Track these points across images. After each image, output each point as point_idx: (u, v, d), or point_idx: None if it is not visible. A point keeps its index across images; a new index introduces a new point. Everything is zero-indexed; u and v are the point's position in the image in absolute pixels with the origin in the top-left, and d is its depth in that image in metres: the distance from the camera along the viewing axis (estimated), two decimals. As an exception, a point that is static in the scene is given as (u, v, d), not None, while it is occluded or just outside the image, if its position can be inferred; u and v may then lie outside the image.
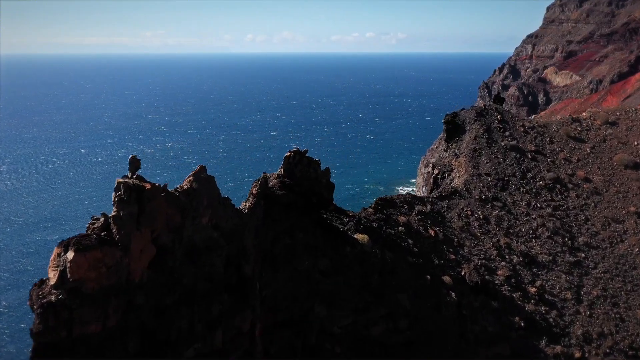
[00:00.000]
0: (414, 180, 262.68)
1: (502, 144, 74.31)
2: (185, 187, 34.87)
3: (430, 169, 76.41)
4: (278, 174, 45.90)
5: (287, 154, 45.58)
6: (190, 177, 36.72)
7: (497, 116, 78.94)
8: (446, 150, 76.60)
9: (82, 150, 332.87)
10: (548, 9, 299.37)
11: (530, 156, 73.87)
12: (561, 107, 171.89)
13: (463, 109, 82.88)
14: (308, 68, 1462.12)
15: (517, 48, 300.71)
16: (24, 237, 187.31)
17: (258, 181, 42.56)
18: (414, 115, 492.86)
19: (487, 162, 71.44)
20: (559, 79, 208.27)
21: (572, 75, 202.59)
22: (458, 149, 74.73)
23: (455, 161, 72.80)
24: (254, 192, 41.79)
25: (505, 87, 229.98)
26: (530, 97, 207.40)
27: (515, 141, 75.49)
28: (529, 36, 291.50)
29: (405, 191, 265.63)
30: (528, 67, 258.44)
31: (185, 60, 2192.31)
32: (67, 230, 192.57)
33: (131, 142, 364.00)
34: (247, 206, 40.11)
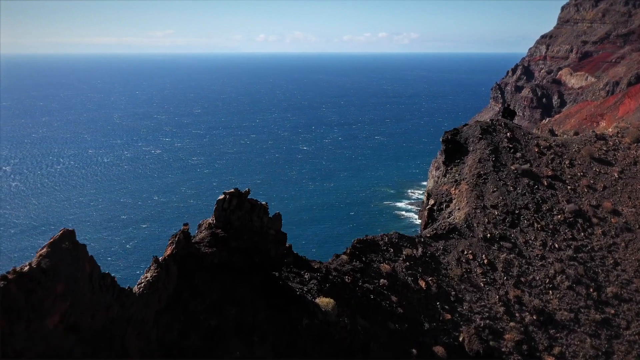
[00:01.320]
0: (424, 183, 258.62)
1: (513, 168, 62.19)
2: (34, 265, 20.30)
3: (425, 198, 65.07)
4: (210, 223, 29.99)
5: (221, 196, 31.90)
6: (44, 250, 20.95)
7: (506, 133, 66.71)
8: (444, 175, 64.31)
9: (90, 151, 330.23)
10: (563, 8, 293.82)
11: (546, 183, 61.22)
12: (576, 110, 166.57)
13: (466, 124, 70.27)
14: (319, 68, 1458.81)
15: (530, 49, 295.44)
16: (20, 242, 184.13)
17: (175, 237, 29.10)
18: (425, 116, 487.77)
19: (493, 191, 59.22)
20: (574, 81, 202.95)
21: (587, 77, 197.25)
22: (459, 174, 62.47)
23: (455, 189, 61.27)
24: (166, 254, 28.17)
25: (519, 89, 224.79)
26: (544, 99, 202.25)
27: (529, 164, 63.19)
28: (543, 36, 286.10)
29: (417, 194, 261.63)
30: (542, 68, 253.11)
31: (196, 60, 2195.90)
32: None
33: (139, 143, 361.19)
34: (147, 279, 26.59)
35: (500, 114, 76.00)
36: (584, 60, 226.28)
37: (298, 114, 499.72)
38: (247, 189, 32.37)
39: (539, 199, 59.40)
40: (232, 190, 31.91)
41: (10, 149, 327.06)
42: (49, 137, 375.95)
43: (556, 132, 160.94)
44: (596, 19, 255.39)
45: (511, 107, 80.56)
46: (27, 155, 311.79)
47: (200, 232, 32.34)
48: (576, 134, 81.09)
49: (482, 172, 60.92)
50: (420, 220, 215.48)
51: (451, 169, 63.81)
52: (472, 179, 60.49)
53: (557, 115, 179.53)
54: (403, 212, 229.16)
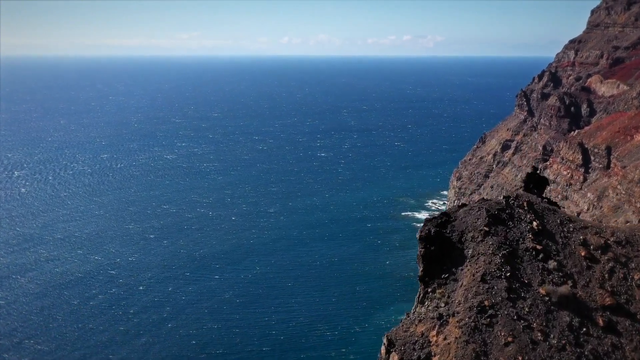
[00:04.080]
0: (445, 192, 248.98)
1: (542, 292, 35.89)
2: None
3: (382, 350, 36.21)
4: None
5: None
6: None
7: (531, 222, 40.70)
8: (421, 302, 38.72)
9: (104, 156, 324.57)
10: (592, 12, 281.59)
11: (602, 323, 35.47)
12: (608, 122, 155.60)
13: (463, 205, 44.42)
14: (342, 71, 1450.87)
15: (558, 54, 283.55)
16: (22, 257, 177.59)
17: None
18: (447, 121, 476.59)
19: (506, 343, 33.29)
20: (605, 89, 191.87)
21: (619, 85, 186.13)
22: (445, 304, 36.85)
23: (436, 335, 35.27)
24: None
25: (545, 96, 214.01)
26: (572, 108, 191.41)
27: (571, 283, 37.19)
28: (572, 41, 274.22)
29: (436, 205, 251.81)
30: (570, 75, 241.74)
31: (221, 62, 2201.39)
32: (65, 248, 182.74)
33: (155, 147, 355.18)
34: None
35: (523, 183, 47.14)
36: (616, 67, 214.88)
37: (318, 118, 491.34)
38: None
39: (592, 356, 34.07)
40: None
41: (24, 153, 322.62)
42: (64, 140, 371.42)
43: (586, 146, 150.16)
44: (628, 22, 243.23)
45: (539, 171, 48.56)
46: (41, 160, 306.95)
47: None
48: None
49: (486, 303, 34.75)
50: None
51: (432, 291, 38.10)
52: (469, 316, 34.35)
53: (587, 127, 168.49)
54: (421, 224, 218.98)
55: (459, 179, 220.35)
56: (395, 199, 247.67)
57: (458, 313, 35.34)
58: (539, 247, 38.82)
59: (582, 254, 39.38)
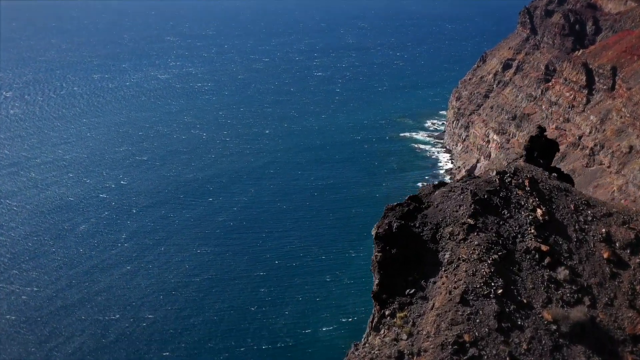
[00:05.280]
0: (444, 113, 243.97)
1: (547, 318, 25.46)
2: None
3: None
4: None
5: None
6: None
7: (534, 209, 30.18)
8: (375, 332, 27.83)
9: (95, 76, 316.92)
10: None
11: None
12: (614, 41, 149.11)
13: (440, 185, 34.20)
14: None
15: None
16: (11, 180, 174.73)
17: None
18: (448, 39, 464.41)
19: None
20: (611, 6, 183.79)
21: (626, 1, 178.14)
22: (408, 335, 25.65)
23: None
24: None
25: (549, 13, 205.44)
26: (577, 26, 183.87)
27: (589, 302, 27.05)
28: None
29: (435, 125, 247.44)
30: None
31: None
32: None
33: (148, 67, 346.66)
34: None
35: (524, 150, 36.40)
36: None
37: (315, 36, 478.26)
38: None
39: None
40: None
41: (14, 74, 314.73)
42: (55, 60, 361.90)
43: (591, 66, 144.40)
44: None
45: (542, 126, 38.36)
46: (31, 80, 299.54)
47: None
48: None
49: (466, 337, 23.99)
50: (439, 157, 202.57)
51: (391, 315, 27.40)
52: (441, 358, 23.56)
53: (592, 47, 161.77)
54: (420, 146, 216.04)
55: (458, 99, 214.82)
56: (394, 120, 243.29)
57: (425, 352, 23.71)
58: (544, 247, 27.57)
59: (605, 255, 28.09)
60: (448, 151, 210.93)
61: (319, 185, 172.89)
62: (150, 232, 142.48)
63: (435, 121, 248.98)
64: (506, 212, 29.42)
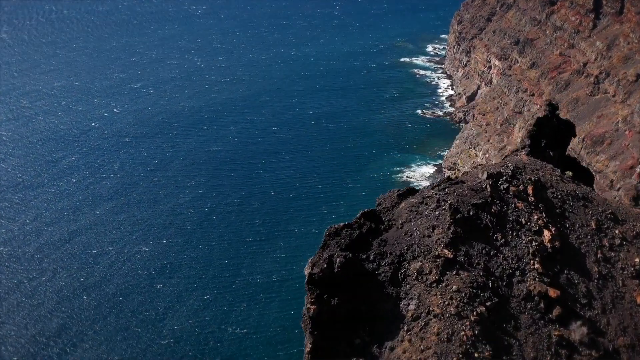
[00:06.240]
0: (445, 36, 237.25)
1: None
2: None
3: None
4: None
5: None
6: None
7: (539, 230, 21.48)
8: None
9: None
10: None
11: None
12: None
13: (408, 192, 23.93)
14: None
15: None
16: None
17: None
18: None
19: None
20: None
21: None
22: None
23: None
24: None
25: None
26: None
27: None
28: None
29: (436, 49, 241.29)
30: None
31: None
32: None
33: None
34: None
35: (528, 136, 27.24)
36: None
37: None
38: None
39: None
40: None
41: None
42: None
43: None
44: None
45: (552, 102, 29.53)
46: (19, 4, 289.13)
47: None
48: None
49: None
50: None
51: None
52: None
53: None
54: (420, 71, 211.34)
55: (460, 22, 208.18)
56: (393, 45, 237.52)
57: None
58: (552, 292, 19.33)
59: (639, 300, 20.17)
60: (449, 77, 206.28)
61: (316, 113, 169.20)
62: (143, 163, 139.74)
63: (436, 45, 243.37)
64: (499, 237, 20.67)
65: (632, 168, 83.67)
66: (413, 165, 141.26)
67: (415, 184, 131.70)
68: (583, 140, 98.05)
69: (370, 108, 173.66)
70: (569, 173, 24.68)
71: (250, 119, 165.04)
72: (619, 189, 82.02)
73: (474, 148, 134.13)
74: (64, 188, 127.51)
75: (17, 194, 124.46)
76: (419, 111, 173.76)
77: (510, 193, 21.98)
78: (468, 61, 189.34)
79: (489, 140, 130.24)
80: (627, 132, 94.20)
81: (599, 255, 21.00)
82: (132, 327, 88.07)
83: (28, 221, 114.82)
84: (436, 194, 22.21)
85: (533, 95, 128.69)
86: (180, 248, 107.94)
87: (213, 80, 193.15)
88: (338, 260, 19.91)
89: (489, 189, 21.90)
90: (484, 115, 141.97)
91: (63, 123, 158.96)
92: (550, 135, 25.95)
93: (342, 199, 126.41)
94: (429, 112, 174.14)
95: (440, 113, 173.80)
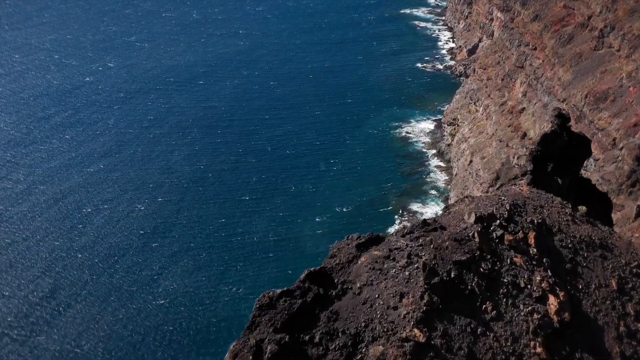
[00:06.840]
0: (444, 3, 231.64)
1: None
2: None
3: None
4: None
5: None
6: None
7: (541, 297, 16.74)
8: None
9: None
10: None
11: None
12: None
13: (362, 242, 18.35)
14: None
15: None
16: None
17: None
18: None
19: None
20: None
21: None
22: None
23: None
24: None
25: None
26: None
27: None
28: None
29: (437, 0, 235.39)
30: None
31: None
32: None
33: None
34: None
35: (529, 164, 21.86)
36: None
37: None
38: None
39: None
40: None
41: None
42: None
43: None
44: None
45: (563, 111, 24.63)
46: None
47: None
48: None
49: None
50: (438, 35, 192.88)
51: None
52: None
53: None
54: (421, 23, 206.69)
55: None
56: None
57: None
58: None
59: None
60: (449, 29, 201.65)
61: (314, 68, 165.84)
62: (137, 119, 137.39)
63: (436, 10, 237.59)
64: (489, 308, 16.01)
65: (636, 126, 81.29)
66: (412, 120, 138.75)
67: (414, 139, 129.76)
68: (586, 96, 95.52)
69: (369, 62, 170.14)
70: (583, 208, 19.43)
71: (247, 73, 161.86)
72: (622, 148, 79.83)
73: (475, 103, 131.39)
74: (57, 145, 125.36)
75: (8, 151, 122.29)
76: (419, 65, 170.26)
77: (506, 243, 17.36)
78: (469, 13, 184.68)
79: (489, 96, 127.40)
80: (631, 88, 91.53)
81: (622, 329, 16.37)
82: (126, 287, 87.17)
83: (20, 179, 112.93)
84: (407, 245, 17.46)
85: (535, 49, 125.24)
86: (175, 206, 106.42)
87: (209, 33, 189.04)
88: (269, 348, 14.87)
89: (477, 239, 17.14)
90: (484, 69, 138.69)
91: (56, 78, 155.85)
92: (559, 155, 20.51)
93: (340, 156, 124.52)
94: (429, 65, 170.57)
95: (441, 66, 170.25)
